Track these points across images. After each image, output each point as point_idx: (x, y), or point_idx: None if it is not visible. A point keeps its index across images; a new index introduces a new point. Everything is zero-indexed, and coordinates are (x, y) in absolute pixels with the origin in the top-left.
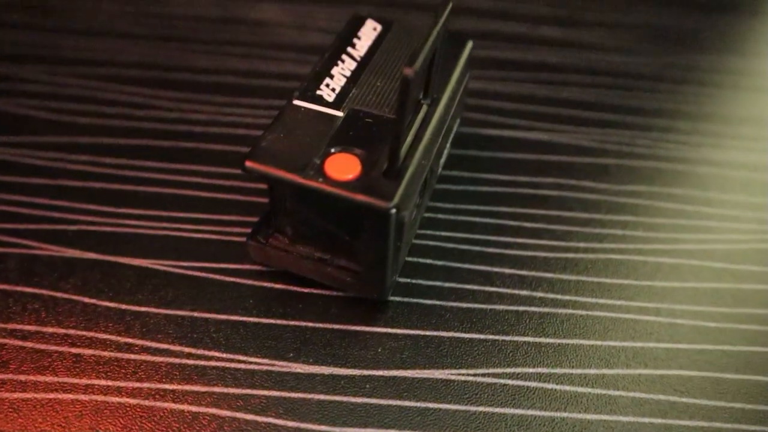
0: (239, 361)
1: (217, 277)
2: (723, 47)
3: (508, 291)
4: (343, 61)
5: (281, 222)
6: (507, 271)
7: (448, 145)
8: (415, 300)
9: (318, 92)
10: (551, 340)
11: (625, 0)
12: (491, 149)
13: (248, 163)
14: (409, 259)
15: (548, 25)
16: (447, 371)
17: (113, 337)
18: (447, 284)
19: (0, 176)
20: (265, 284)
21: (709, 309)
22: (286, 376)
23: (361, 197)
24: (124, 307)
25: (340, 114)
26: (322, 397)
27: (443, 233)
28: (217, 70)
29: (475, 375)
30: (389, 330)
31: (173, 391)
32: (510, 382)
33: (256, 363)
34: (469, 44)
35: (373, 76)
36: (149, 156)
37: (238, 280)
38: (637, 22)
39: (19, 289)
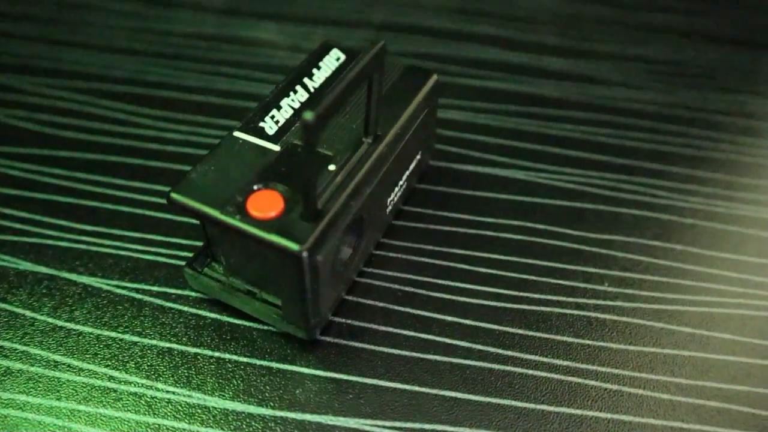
0: (157, 389)
1: (157, 300)
2: (738, 86)
3: (445, 340)
4: (295, 92)
5: (216, 252)
6: (448, 318)
7: (402, 181)
8: (345, 342)
9: (261, 124)
10: (480, 398)
11: (640, 31)
12: (462, 186)
13: (173, 195)
14: (349, 297)
15: (553, 56)
16: (362, 421)
17: (43, 353)
18: (382, 328)
19: None
20: (201, 312)
21: (666, 378)
22: (199, 409)
23: (273, 238)
24: (60, 323)
25: (276, 148)
26: None
27: (390, 273)
28: (202, 90)
29: (390, 428)
30: (312, 371)
31: (87, 413)
32: None
33: (173, 392)
34: (433, 78)
35: None
36: (118, 173)
37: (176, 305)
38: (650, 55)
39: None
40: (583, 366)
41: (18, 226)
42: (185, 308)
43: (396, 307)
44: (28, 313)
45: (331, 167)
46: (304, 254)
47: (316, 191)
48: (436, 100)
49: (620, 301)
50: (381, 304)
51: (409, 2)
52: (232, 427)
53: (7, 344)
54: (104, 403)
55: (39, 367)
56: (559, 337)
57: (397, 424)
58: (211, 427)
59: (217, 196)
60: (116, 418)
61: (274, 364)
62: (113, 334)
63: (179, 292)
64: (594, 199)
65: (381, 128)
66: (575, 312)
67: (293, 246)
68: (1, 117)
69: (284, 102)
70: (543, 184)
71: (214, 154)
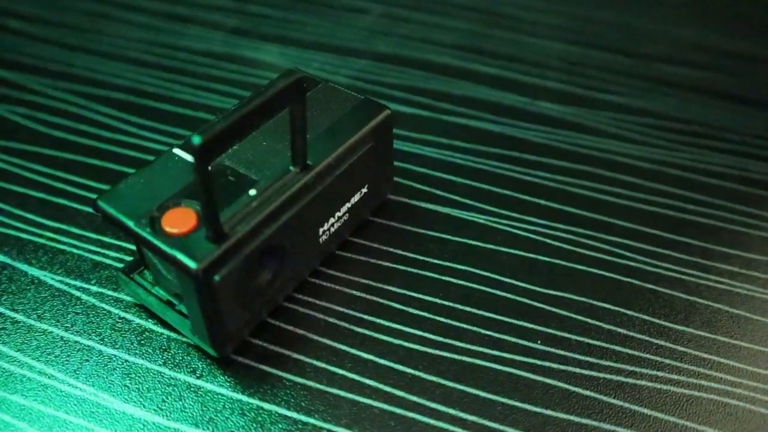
0: (69, 384)
1: (92, 299)
2: (743, 149)
3: (354, 377)
4: None
5: (146, 261)
6: (364, 355)
7: (341, 213)
8: (256, 364)
9: None
10: None
11: (647, 83)
12: (417, 223)
13: (98, 203)
14: (272, 320)
15: (548, 101)
16: None
17: None
18: (295, 355)
19: None
20: (129, 316)
21: None
22: (100, 409)
23: (175, 254)
24: (10, 314)
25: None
26: None
27: (319, 302)
28: (193, 105)
29: None
30: (216, 389)
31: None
32: None
33: (81, 389)
34: (385, 113)
35: (263, 135)
36: (92, 176)
37: (107, 306)
38: (652, 109)
39: None
40: (495, 426)
41: None
42: (115, 310)
43: (315, 337)
44: None
45: (252, 192)
46: (200, 273)
47: (216, 213)
48: (389, 135)
49: (550, 362)
50: (301, 332)
51: (417, 36)
52: (125, 428)
53: None
54: (16, 389)
55: None
56: (473, 391)
57: None
58: (107, 426)
59: (138, 208)
60: (20, 404)
61: (181, 376)
62: (44, 326)
63: (115, 294)
64: (552, 252)
65: (314, 158)
66: (498, 366)
67: (190, 263)
68: (2, 111)
69: None
70: (501, 230)
71: (147, 168)
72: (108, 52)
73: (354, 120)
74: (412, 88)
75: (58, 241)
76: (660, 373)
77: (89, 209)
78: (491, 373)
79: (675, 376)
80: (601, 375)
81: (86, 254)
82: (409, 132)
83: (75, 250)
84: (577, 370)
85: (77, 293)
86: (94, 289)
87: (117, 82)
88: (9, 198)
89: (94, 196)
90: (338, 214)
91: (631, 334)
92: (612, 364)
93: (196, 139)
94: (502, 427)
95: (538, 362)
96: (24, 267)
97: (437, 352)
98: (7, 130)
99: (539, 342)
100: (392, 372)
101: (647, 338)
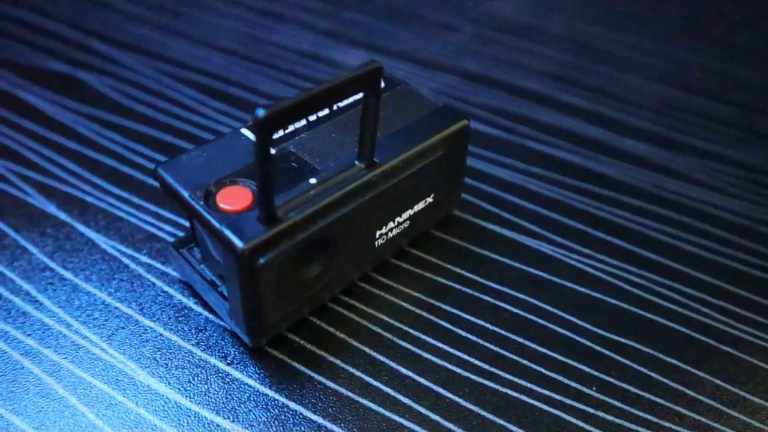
0: (101, 349)
1: (139, 269)
2: None
3: (388, 391)
4: None
5: (196, 237)
6: (402, 370)
7: (402, 219)
8: (290, 360)
9: None
10: None
11: (743, 133)
12: (479, 244)
13: (158, 170)
14: (313, 319)
15: (637, 140)
16: None
17: (24, 286)
18: (331, 358)
19: (45, 129)
20: (171, 291)
21: None
22: (126, 378)
23: (223, 230)
24: (52, 265)
25: (272, 151)
26: (140, 411)
27: (366, 308)
28: (271, 96)
29: None
30: (245, 378)
31: (32, 346)
32: None
33: (111, 355)
34: (462, 123)
35: (334, 127)
36: (164, 151)
37: (153, 279)
38: (747, 161)
39: None
40: None
41: (63, 174)
42: (159, 283)
43: (355, 343)
44: (30, 246)
45: (312, 180)
46: (245, 253)
47: (271, 193)
48: (464, 146)
49: (604, 412)
50: (341, 335)
51: (506, 59)
52: (145, 402)
53: (3, 269)
54: (50, 344)
55: (14, 296)
56: (514, 428)
57: None
58: (129, 397)
59: (195, 180)
60: (52, 360)
61: (212, 359)
62: (89, 288)
63: (162, 268)
64: (620, 295)
65: (382, 156)
66: (544, 407)
67: (237, 242)
68: (93, 81)
69: None
70: (568, 264)
71: (212, 143)
72: (201, 38)
73: (429, 125)
74: (494, 109)
75: (119, 208)
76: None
77: (154, 183)
78: (536, 413)
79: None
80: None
81: (142, 225)
82: (486, 151)
83: (132, 219)
84: (634, 426)
85: (126, 261)
86: (144, 259)
87: (204, 66)
88: (82, 161)
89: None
90: (398, 219)
91: (700, 397)
92: (673, 426)
93: (260, 112)
94: None
95: (591, 410)
96: (82, 228)
97: (481, 380)
98: (92, 97)
99: (594, 389)
100: (430, 393)
101: (718, 405)
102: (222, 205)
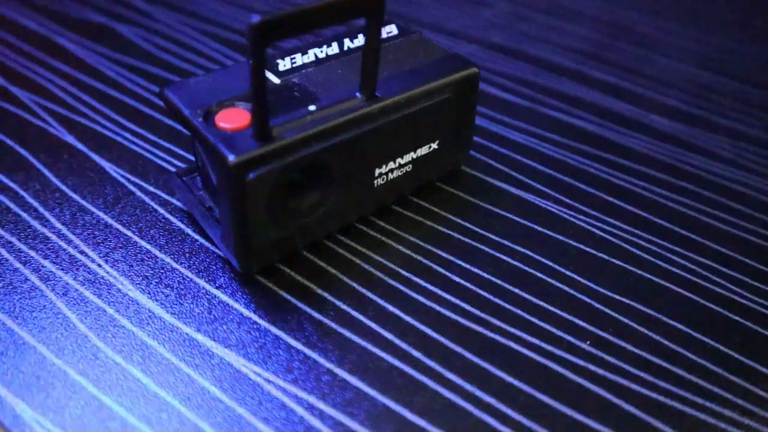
0: (98, 264)
1: (144, 197)
2: None
3: (372, 325)
4: (329, 46)
5: (197, 163)
6: (390, 307)
7: (403, 160)
8: (278, 290)
9: (278, 60)
10: (377, 394)
11: None
12: (484, 198)
13: (163, 90)
14: (307, 254)
15: (663, 116)
16: (253, 367)
17: (33, 202)
18: (319, 291)
19: (74, 70)
20: (173, 219)
21: None
22: (115, 292)
23: (214, 143)
24: (60, 185)
25: (276, 81)
26: (124, 321)
27: (360, 248)
28: None
29: (280, 386)
30: (231, 302)
31: (28, 253)
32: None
33: (106, 271)
34: (471, 69)
35: (342, 65)
36: None
37: (156, 206)
38: None
39: (19, 150)
40: (515, 415)
41: (85, 110)
42: (161, 210)
43: (345, 279)
44: (45, 171)
45: (312, 107)
46: (235, 167)
47: (264, 108)
48: (472, 95)
49: (597, 366)
50: (333, 271)
51: (536, 35)
52: (129, 314)
53: (9, 182)
54: (48, 256)
55: (23, 211)
56: (499, 373)
57: (289, 386)
58: (116, 308)
59: (198, 100)
60: (51, 271)
61: (201, 282)
62: (94, 210)
63: (167, 197)
64: (628, 258)
65: (384, 92)
66: (533, 355)
67: (228, 155)
68: (127, 32)
69: (313, 50)
70: (576, 225)
71: (221, 70)
72: (237, 1)
73: (437, 68)
74: (518, 79)
75: (134, 143)
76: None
77: (168, 121)
78: (524, 360)
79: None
80: (653, 395)
81: (154, 159)
82: (502, 115)
83: (146, 154)
84: (626, 382)
85: (133, 188)
86: (150, 188)
87: (237, 26)
88: (105, 99)
89: None
90: (400, 161)
91: (701, 361)
92: (672, 387)
93: (255, 17)
94: (523, 419)
95: (582, 363)
96: (96, 157)
97: (469, 323)
98: (124, 46)
99: (588, 342)
100: (414, 331)
101: (717, 369)
102: (220, 124)
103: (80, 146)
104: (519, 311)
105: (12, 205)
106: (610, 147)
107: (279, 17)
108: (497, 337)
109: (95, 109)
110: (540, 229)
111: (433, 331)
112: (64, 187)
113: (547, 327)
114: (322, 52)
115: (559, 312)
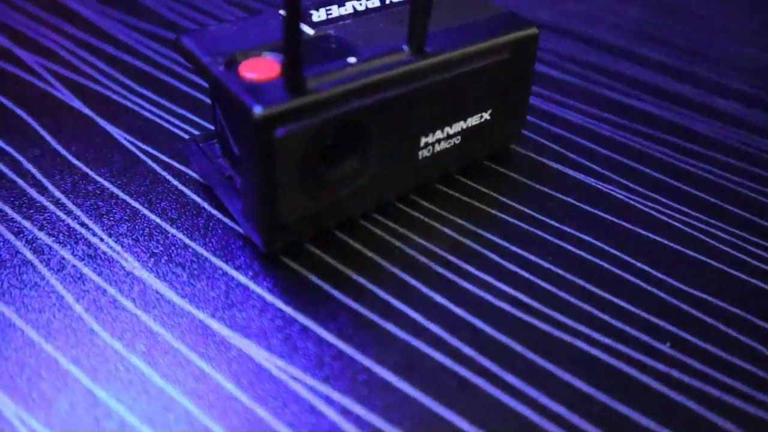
0: (100, 239)
1: (156, 166)
2: None
3: (418, 318)
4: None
5: (217, 127)
6: (436, 297)
7: (452, 131)
8: (307, 273)
9: (312, 11)
10: (416, 391)
11: None
12: (538, 179)
13: (181, 38)
14: (339, 233)
15: (726, 98)
16: (276, 361)
17: (33, 170)
18: (355, 276)
19: (85, 33)
20: (187, 191)
21: None
22: (119, 270)
23: (237, 94)
24: (64, 153)
25: (310, 32)
26: (127, 303)
27: (401, 229)
28: None
29: (308, 386)
30: (252, 286)
31: (30, 229)
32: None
33: (109, 246)
34: (530, 30)
35: (384, 18)
36: None
37: (168, 176)
38: None
39: (19, 113)
40: (576, 420)
41: (93, 73)
42: (175, 182)
43: (385, 263)
44: (47, 135)
45: (352, 60)
46: (261, 120)
47: (298, 54)
48: (530, 58)
49: (679, 371)
50: (370, 254)
51: (584, 13)
52: (133, 294)
53: (5, 146)
54: (44, 227)
55: (19, 178)
56: (560, 373)
57: (319, 385)
58: (120, 290)
59: (220, 49)
60: (47, 245)
61: (218, 262)
62: (98, 179)
63: (181, 167)
64: (705, 250)
65: (434, 47)
66: (602, 355)
67: (253, 106)
68: (153, 2)
69: (351, 2)
70: (643, 211)
71: (249, 20)
72: None
73: (493, 26)
74: (567, 56)
75: (146, 108)
76: None
77: (186, 87)
78: (591, 361)
79: None
80: (744, 407)
81: (168, 126)
82: (554, 94)
83: (158, 120)
84: (714, 391)
85: (143, 157)
86: (162, 158)
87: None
88: (116, 63)
89: (193, 78)
90: (448, 130)
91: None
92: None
93: None
94: (584, 424)
95: (660, 366)
96: (103, 123)
97: (528, 318)
98: (141, 11)
99: (668, 344)
100: (466, 325)
101: None
102: (245, 74)
103: (87, 111)
104: (586, 306)
105: (7, 171)
106: (673, 129)
107: None
108: (562, 335)
109: (105, 73)
110: (604, 215)
111: (487, 325)
112: (66, 153)
113: (619, 325)
114: (361, 4)
115: (631, 308)
